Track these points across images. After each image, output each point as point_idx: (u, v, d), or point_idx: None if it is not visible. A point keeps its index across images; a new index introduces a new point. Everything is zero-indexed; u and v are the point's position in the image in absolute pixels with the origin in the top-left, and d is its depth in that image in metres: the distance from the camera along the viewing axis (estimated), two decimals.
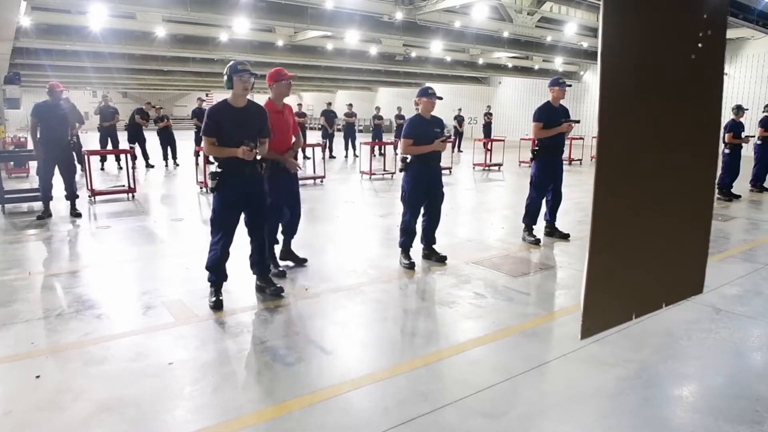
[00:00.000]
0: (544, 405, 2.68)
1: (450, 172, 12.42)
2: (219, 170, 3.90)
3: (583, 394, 2.79)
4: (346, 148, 16.94)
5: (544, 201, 6.15)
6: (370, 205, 8.82)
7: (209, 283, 4.05)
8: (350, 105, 17.88)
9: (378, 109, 18.23)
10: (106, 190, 9.26)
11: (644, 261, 1.33)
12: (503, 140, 15.61)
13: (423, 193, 5.02)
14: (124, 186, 9.16)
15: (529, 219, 6.09)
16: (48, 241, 6.17)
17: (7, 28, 11.10)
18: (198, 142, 13.36)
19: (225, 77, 3.83)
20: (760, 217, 7.62)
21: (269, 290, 4.25)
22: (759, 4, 11.85)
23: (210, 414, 2.58)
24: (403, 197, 5.07)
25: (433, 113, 5.01)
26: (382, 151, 15.34)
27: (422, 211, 5.12)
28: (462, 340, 3.50)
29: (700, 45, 1.26)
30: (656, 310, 1.41)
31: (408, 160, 4.97)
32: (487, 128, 20.86)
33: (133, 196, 8.86)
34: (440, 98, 4.99)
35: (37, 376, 2.90)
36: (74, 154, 7.77)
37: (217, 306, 3.94)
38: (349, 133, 17.08)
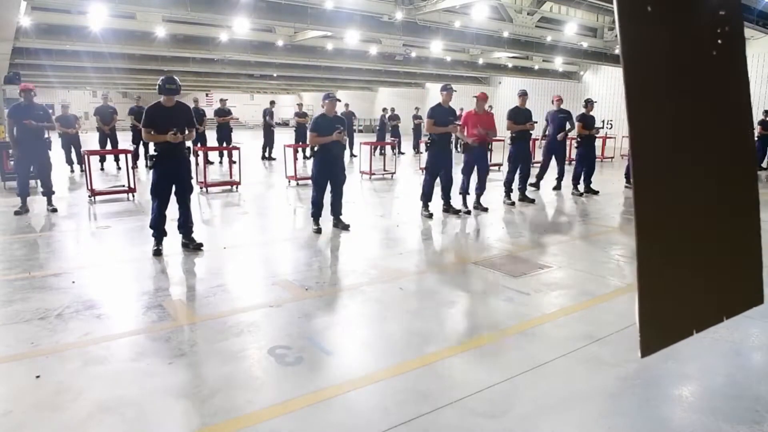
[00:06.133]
0: (544, 405, 2.68)
1: None
2: (155, 153, 5.27)
3: (583, 394, 2.79)
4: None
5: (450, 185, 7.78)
6: (370, 205, 8.83)
7: (152, 237, 5.40)
8: (347, 105, 17.87)
9: (385, 110, 18.29)
10: (106, 190, 9.26)
11: (698, 273, 1.27)
12: (503, 140, 15.59)
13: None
14: (123, 186, 9.17)
15: (425, 197, 7.55)
16: (48, 240, 6.17)
17: (7, 28, 11.09)
18: (196, 142, 13.34)
19: (156, 86, 5.22)
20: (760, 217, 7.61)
21: (192, 246, 5.55)
22: (759, 4, 11.85)
23: (210, 414, 2.58)
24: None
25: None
26: (383, 152, 15.34)
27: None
28: (462, 340, 3.50)
29: (720, 41, 1.25)
30: (717, 324, 1.35)
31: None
32: None
33: (133, 196, 8.87)
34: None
35: (37, 376, 2.90)
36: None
37: (157, 253, 5.33)
38: (347, 133, 17.02)
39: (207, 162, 12.56)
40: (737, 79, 1.33)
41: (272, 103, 16.36)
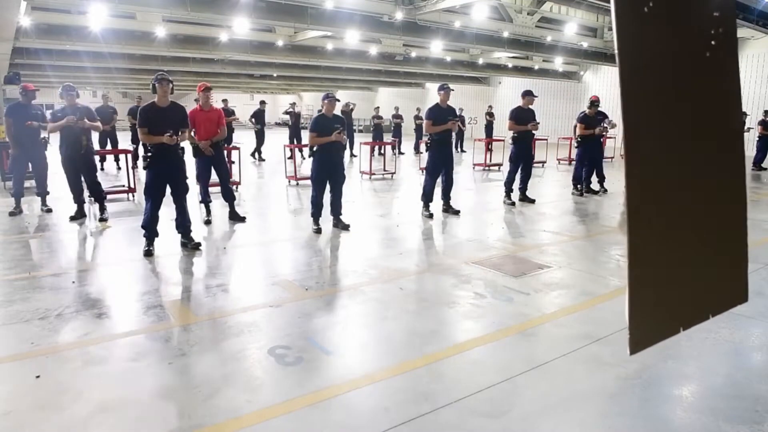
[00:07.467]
0: (544, 405, 2.68)
1: None
2: (149, 154, 5.28)
3: (583, 394, 2.79)
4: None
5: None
6: (370, 205, 8.83)
7: (144, 238, 5.39)
8: (349, 104, 17.86)
9: (377, 109, 18.28)
10: (106, 190, 9.22)
11: (685, 271, 1.29)
12: (503, 140, 15.60)
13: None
14: (124, 186, 9.16)
15: (426, 198, 7.47)
16: (48, 240, 6.17)
17: (7, 28, 11.09)
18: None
19: (150, 86, 5.33)
20: (760, 217, 7.62)
21: (190, 245, 5.56)
22: (759, 4, 11.85)
23: (210, 414, 2.58)
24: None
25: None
26: (382, 151, 15.34)
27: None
28: (462, 340, 3.50)
29: (713, 42, 1.26)
30: (703, 322, 1.36)
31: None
32: (489, 128, 20.73)
33: (133, 196, 8.86)
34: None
35: (37, 376, 2.90)
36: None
37: (148, 254, 5.31)
38: (348, 133, 17.03)
39: None
40: (729, 81, 1.34)
41: (263, 102, 16.61)
